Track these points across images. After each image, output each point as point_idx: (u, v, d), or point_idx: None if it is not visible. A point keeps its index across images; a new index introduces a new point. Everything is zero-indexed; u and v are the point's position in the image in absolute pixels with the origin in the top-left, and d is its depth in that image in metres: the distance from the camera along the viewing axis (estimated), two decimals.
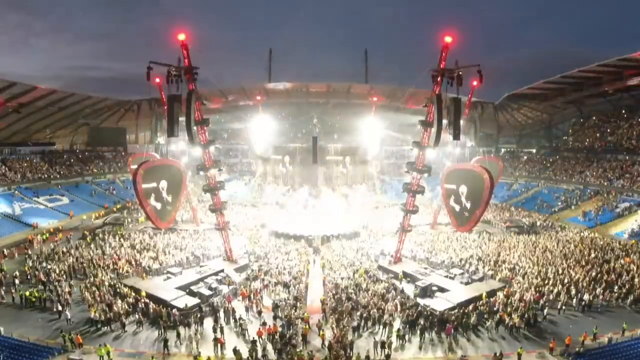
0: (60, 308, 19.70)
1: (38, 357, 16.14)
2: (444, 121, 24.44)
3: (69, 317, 19.19)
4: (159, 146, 55.71)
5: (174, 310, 19.60)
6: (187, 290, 22.21)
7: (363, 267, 26.46)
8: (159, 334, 18.15)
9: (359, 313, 19.69)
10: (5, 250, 29.56)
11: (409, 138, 43.98)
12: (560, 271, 24.50)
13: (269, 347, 17.29)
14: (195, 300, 21.03)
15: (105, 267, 25.31)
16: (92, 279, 23.27)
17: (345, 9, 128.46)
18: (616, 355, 16.67)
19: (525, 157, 60.63)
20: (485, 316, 19.49)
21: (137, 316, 19.22)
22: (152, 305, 20.09)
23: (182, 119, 23.10)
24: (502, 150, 66.03)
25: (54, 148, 55.64)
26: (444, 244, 31.74)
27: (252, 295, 21.72)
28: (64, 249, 29.38)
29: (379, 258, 28.56)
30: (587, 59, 43.47)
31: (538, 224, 39.54)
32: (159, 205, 34.10)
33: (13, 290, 21.76)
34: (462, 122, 25.71)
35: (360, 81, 62.60)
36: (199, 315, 19.33)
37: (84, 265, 25.75)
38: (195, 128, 24.20)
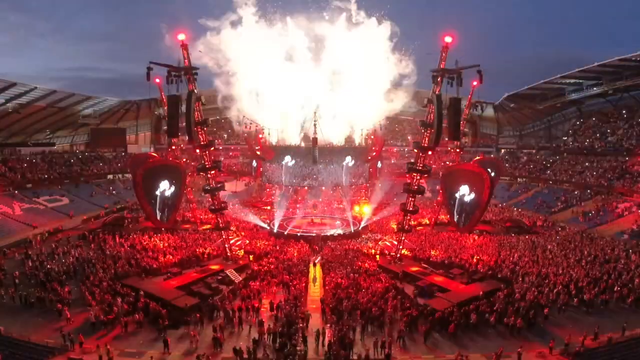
0: (60, 308, 19.68)
1: (38, 357, 16.11)
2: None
3: (69, 317, 19.16)
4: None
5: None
6: (187, 290, 22.18)
7: (363, 267, 26.45)
8: (159, 333, 18.14)
9: (358, 312, 19.68)
10: (5, 250, 29.54)
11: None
12: (560, 271, 24.50)
13: (269, 346, 17.30)
14: (195, 300, 21.01)
15: (105, 267, 25.28)
16: (92, 279, 23.25)
17: None
18: (616, 355, 16.66)
19: (525, 157, 60.60)
20: (486, 316, 19.48)
21: (137, 316, 19.20)
22: (152, 304, 20.05)
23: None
24: (502, 150, 65.98)
25: (54, 148, 55.63)
26: (444, 244, 31.71)
27: (252, 295, 21.74)
28: (64, 249, 29.35)
29: (379, 258, 28.55)
30: (587, 59, 43.54)
31: (538, 224, 39.50)
32: (159, 206, 34.13)
33: (13, 290, 21.74)
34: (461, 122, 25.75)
35: None
36: (198, 315, 19.32)
37: (84, 265, 25.73)
38: (195, 128, 24.23)
